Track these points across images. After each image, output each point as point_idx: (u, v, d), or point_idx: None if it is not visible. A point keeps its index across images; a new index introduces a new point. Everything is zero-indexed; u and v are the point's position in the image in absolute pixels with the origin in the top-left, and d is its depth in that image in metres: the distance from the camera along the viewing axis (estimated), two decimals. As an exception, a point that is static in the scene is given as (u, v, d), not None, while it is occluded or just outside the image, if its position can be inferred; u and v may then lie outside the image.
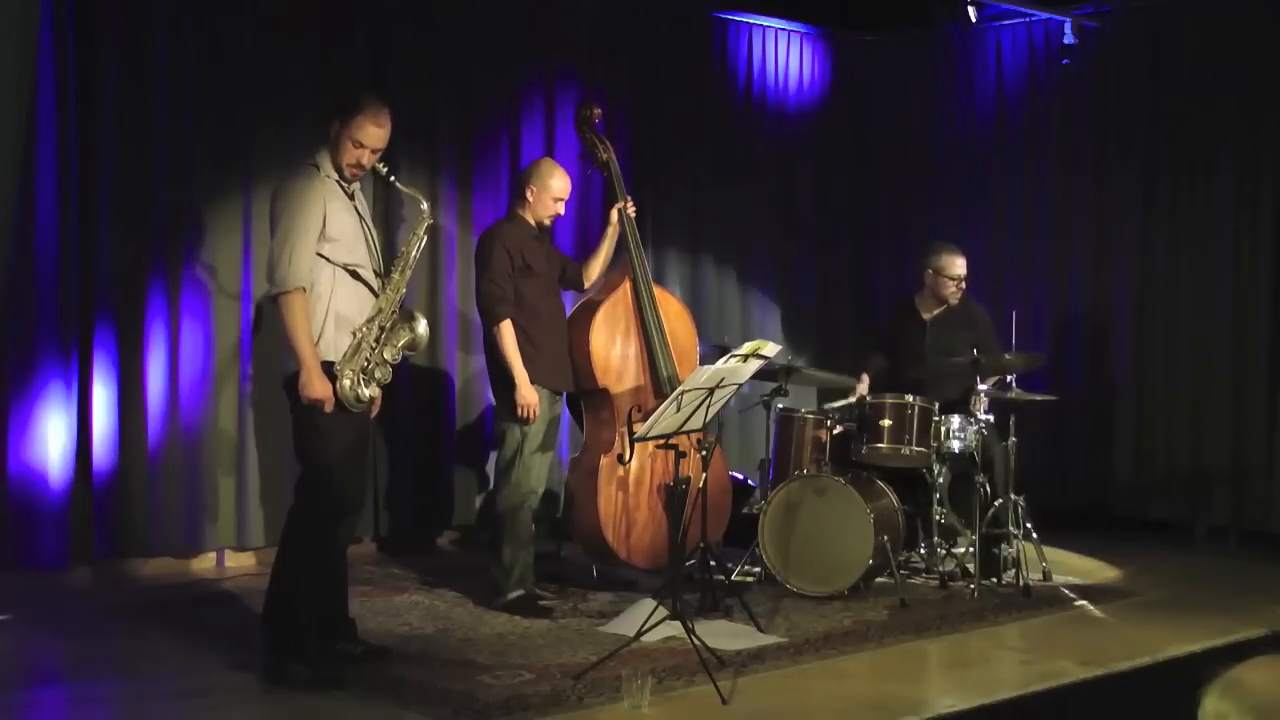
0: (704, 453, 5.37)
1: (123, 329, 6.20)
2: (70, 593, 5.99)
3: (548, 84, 7.56)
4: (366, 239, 4.88)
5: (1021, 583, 6.16)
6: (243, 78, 6.49)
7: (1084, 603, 6.11)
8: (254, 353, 6.47)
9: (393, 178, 4.98)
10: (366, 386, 4.74)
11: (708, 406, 5.07)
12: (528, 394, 5.69)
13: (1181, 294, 7.74)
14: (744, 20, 8.46)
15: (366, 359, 4.75)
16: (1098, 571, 6.81)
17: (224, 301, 6.45)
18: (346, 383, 4.69)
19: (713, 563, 5.71)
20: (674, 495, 5.14)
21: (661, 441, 5.15)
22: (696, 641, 4.77)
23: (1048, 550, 6.60)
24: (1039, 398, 6.42)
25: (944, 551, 6.57)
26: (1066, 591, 6.29)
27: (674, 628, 4.92)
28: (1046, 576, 6.44)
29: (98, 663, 5.03)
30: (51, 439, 5.97)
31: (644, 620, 4.96)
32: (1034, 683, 4.88)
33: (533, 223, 5.86)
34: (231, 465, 6.49)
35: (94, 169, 6.10)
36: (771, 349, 5.31)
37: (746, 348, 5.24)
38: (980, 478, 6.22)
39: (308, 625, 4.76)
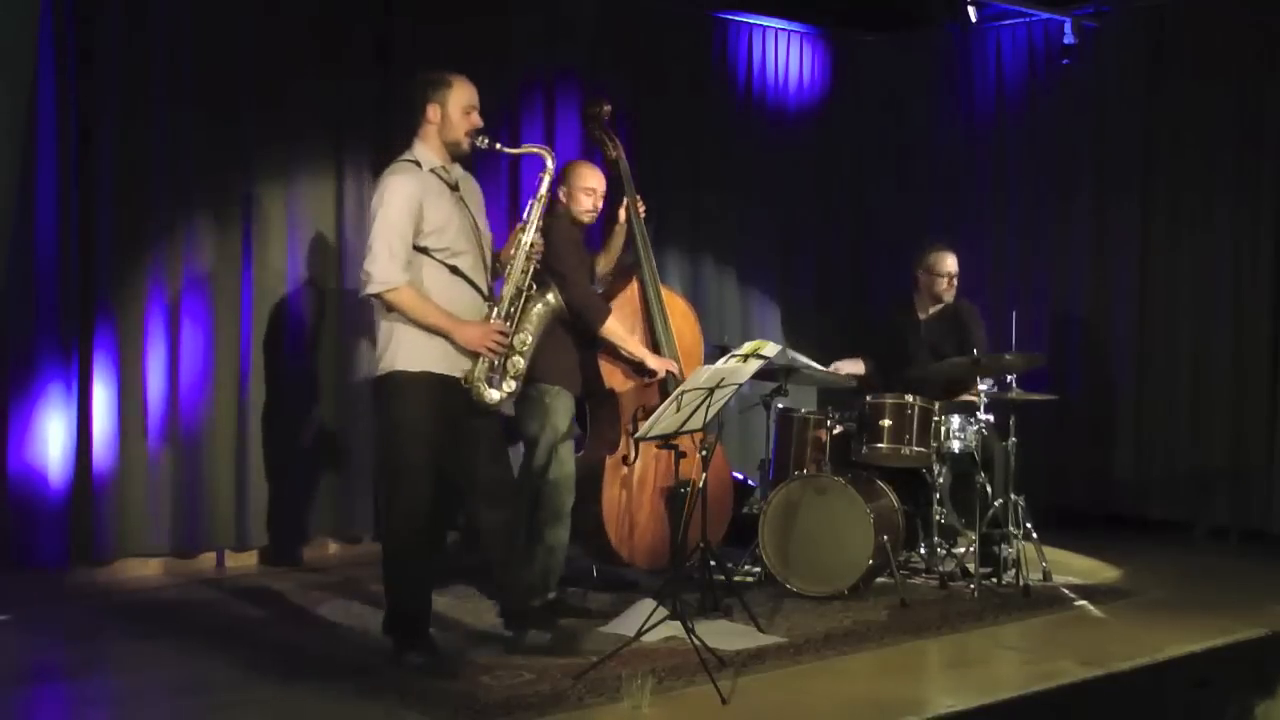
0: (704, 453, 5.37)
1: (123, 329, 6.20)
2: (70, 593, 5.99)
3: (548, 83, 7.55)
4: (472, 229, 4.89)
5: (1021, 583, 6.16)
6: (243, 77, 6.49)
7: (1084, 603, 6.11)
8: (253, 352, 6.47)
9: (498, 145, 4.97)
10: (495, 389, 4.81)
11: (708, 406, 5.07)
12: (658, 362, 5.85)
13: (1181, 293, 7.74)
14: (744, 20, 8.45)
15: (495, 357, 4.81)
16: (1098, 571, 6.81)
17: (224, 301, 6.45)
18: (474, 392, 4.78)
19: (713, 563, 5.71)
20: (675, 497, 5.13)
21: (662, 442, 5.15)
22: (696, 641, 4.77)
23: (1048, 550, 6.60)
24: (1039, 398, 6.42)
25: (944, 551, 6.58)
26: (1066, 591, 6.29)
27: (674, 628, 4.92)
28: (1046, 576, 6.43)
29: (98, 663, 5.03)
30: (51, 439, 5.98)
31: (644, 620, 4.96)
32: (1034, 683, 4.88)
33: (573, 221, 5.79)
34: (231, 465, 6.48)
35: (94, 169, 6.10)
36: (771, 349, 5.30)
37: (746, 348, 5.23)
38: (980, 478, 6.22)
39: (418, 615, 4.91)
